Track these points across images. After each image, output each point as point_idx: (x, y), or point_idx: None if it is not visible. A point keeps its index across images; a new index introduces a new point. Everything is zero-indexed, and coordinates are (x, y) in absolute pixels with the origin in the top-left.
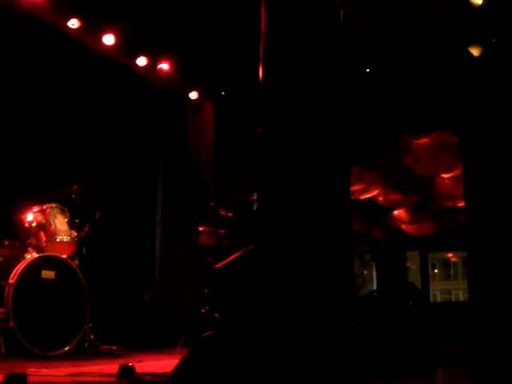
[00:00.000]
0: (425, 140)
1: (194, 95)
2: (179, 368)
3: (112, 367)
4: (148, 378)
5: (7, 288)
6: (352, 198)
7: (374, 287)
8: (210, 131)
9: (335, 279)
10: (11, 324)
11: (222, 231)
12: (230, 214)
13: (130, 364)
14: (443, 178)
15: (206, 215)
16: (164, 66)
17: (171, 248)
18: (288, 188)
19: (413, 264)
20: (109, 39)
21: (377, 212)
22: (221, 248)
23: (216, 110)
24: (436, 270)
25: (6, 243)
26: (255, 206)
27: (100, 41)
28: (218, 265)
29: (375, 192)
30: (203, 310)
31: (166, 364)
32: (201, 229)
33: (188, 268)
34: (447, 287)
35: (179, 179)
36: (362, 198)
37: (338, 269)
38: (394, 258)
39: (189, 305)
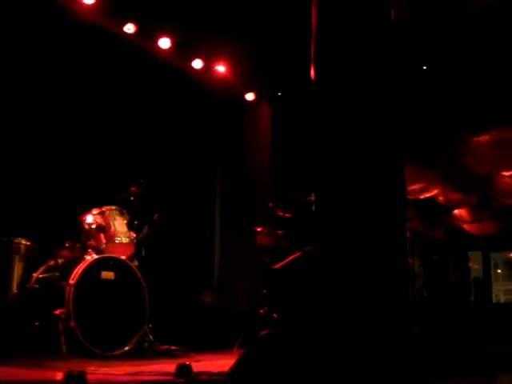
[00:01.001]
0: (484, 137)
1: (250, 96)
2: (235, 367)
3: (170, 366)
4: (204, 377)
5: (68, 288)
6: (411, 197)
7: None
8: (267, 132)
9: (391, 280)
10: (72, 324)
11: (279, 232)
12: (287, 215)
13: (187, 363)
14: (503, 176)
15: (263, 216)
16: (220, 68)
17: (229, 249)
18: (343, 188)
19: (475, 264)
20: (164, 43)
21: (437, 212)
22: (279, 248)
23: (272, 110)
24: (499, 270)
25: (67, 245)
26: (313, 207)
27: (156, 44)
28: (277, 265)
29: (435, 191)
30: (261, 311)
31: (222, 364)
32: (259, 229)
33: (246, 269)
34: (511, 287)
35: (237, 180)
36: (422, 197)
37: (393, 269)
38: (455, 258)
39: (247, 305)
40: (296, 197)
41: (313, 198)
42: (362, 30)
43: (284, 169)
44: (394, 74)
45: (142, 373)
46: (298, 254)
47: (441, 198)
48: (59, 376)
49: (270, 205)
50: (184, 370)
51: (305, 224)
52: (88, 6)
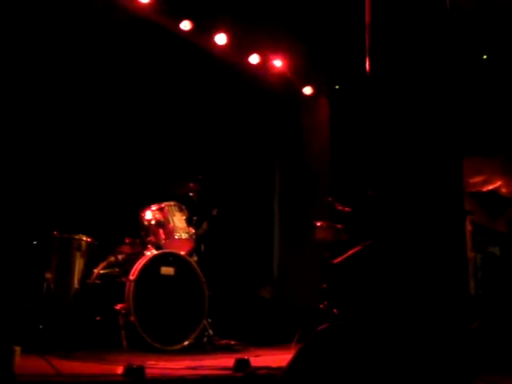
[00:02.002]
0: None
1: (307, 90)
2: (293, 362)
3: (229, 361)
4: (263, 371)
5: (128, 284)
6: (474, 190)
7: None
8: (325, 125)
9: (450, 274)
10: (132, 319)
11: (339, 226)
12: (346, 209)
13: (246, 358)
14: None
15: (322, 210)
16: (276, 63)
17: (288, 243)
18: (401, 183)
19: None
20: (221, 39)
21: (500, 204)
22: (338, 243)
23: (330, 103)
24: None
25: (127, 241)
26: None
27: (212, 41)
28: (336, 260)
29: (497, 183)
30: (321, 306)
31: (281, 359)
32: (318, 224)
33: (305, 263)
34: None
35: (296, 174)
36: (485, 190)
37: (452, 263)
38: None
39: (306, 300)
40: (355, 190)
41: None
42: (416, 20)
43: (343, 162)
44: (451, 64)
45: (200, 367)
46: (357, 248)
47: (504, 190)
48: (119, 370)
49: (329, 199)
50: (242, 364)
51: (364, 218)
52: (144, 4)
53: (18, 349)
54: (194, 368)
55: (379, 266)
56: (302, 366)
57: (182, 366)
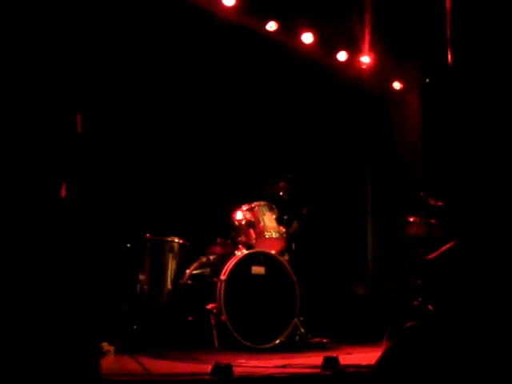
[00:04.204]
0: None
1: (397, 85)
2: (381, 359)
3: (319, 359)
4: (351, 369)
5: (219, 284)
6: None
7: None
8: (417, 120)
9: None
10: (223, 318)
11: (432, 221)
12: (440, 203)
13: (335, 355)
14: None
15: (415, 205)
16: (365, 59)
17: (382, 240)
18: (484, 180)
19: None
20: (307, 37)
21: None
22: (432, 238)
23: (422, 97)
24: None
25: (218, 241)
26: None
27: (299, 40)
28: (430, 256)
29: None
30: (415, 303)
31: (372, 356)
32: (411, 219)
33: (399, 260)
34: None
35: (387, 170)
36: None
37: None
38: None
39: (400, 297)
40: (448, 185)
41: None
42: (499, 8)
43: (435, 156)
44: None
45: (289, 365)
46: (452, 243)
47: None
48: (208, 369)
49: (422, 194)
50: (331, 362)
51: (458, 213)
52: (229, 7)
53: (111, 349)
54: (283, 366)
55: (467, 264)
56: (390, 363)
57: (270, 365)
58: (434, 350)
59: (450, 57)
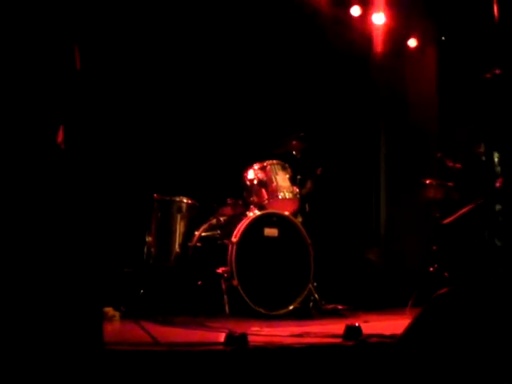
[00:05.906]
0: None
1: (412, 42)
2: (412, 328)
3: (337, 327)
4: (375, 339)
5: (230, 247)
6: None
7: None
8: (432, 79)
9: None
10: (235, 283)
11: (449, 184)
12: (457, 165)
13: (357, 324)
14: None
15: (432, 167)
16: (379, 15)
17: (396, 203)
18: None
19: None
20: None
21: None
22: (449, 202)
23: (438, 54)
24: None
25: (229, 202)
26: (483, 157)
27: None
28: (447, 220)
29: None
30: (431, 269)
31: (393, 325)
32: (427, 182)
33: (413, 224)
34: None
35: (401, 130)
36: None
37: None
38: None
39: (415, 263)
40: (467, 146)
41: (482, 149)
42: None
43: (452, 116)
44: None
45: (307, 334)
46: (469, 207)
47: None
48: (220, 337)
49: (439, 155)
50: (353, 332)
51: (476, 175)
52: None
53: (117, 314)
54: (300, 335)
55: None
56: (422, 331)
57: (286, 333)
58: (468, 317)
59: (496, 12)
